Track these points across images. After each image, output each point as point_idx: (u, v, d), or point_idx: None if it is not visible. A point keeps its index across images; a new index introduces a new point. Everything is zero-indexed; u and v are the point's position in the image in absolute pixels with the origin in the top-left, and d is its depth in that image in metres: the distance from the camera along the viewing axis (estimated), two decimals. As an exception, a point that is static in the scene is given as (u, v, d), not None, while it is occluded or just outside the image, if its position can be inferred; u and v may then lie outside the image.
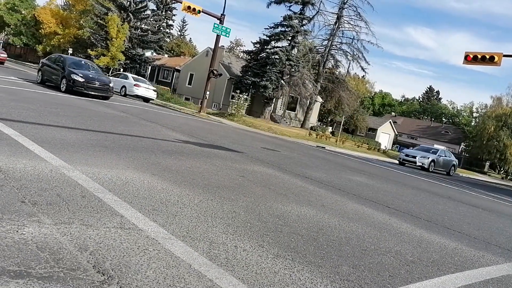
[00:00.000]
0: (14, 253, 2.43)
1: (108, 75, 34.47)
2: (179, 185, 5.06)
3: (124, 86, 27.16)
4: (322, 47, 45.00)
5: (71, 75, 16.35)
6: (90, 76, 17.04)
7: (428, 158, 24.36)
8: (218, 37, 24.07)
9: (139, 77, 30.10)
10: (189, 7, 21.95)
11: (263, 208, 4.86)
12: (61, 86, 16.50)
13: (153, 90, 28.01)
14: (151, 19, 50.19)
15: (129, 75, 28.96)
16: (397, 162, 26.37)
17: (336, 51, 45.15)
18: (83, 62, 19.49)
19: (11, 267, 2.26)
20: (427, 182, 15.25)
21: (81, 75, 16.51)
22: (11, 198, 3.31)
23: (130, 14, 44.32)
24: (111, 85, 17.72)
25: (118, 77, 28.36)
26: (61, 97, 14.32)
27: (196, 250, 3.09)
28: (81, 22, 50.09)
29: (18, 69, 31.39)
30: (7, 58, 35.17)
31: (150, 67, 50.98)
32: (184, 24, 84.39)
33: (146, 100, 27.16)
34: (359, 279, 3.24)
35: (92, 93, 16.68)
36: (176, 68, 49.86)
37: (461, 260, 4.51)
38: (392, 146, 66.78)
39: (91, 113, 11.14)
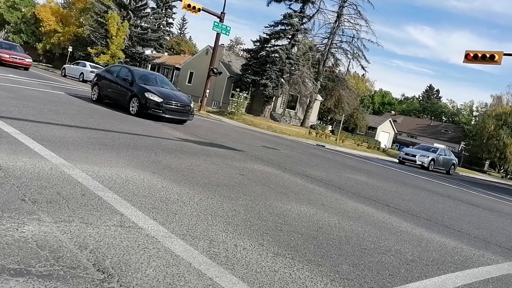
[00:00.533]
0: (14, 251, 2.43)
1: (69, 64, 35.76)
2: (179, 184, 5.06)
3: (82, 73, 30.98)
4: (322, 45, 44.92)
5: (145, 93, 12.40)
6: (168, 94, 13.02)
7: (428, 157, 24.37)
8: (218, 35, 24.04)
9: (96, 65, 33.56)
10: (189, 5, 21.91)
11: (263, 207, 4.87)
12: (130, 108, 12.69)
13: None
14: (151, 17, 50.12)
15: (87, 63, 32.84)
16: (397, 161, 26.37)
17: (336, 49, 45.05)
18: (152, 74, 15.32)
19: (11, 265, 2.26)
20: (427, 181, 15.25)
21: (158, 94, 12.55)
22: (11, 196, 3.30)
23: (130, 12, 44.24)
24: (192, 105, 13.71)
25: (77, 65, 32.62)
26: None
27: (196, 248, 3.09)
28: (81, 20, 50.03)
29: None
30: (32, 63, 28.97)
31: (150, 65, 50.90)
32: (184, 22, 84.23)
33: None
34: (359, 278, 3.24)
35: (170, 116, 12.74)
36: (176, 66, 49.79)
37: (461, 259, 4.51)
38: (392, 145, 66.76)
39: (90, 111, 11.14)
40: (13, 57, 25.05)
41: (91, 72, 29.98)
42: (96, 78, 15.05)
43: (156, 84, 13.80)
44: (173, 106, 12.70)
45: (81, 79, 30.62)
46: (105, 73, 14.89)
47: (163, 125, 11.91)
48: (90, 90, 15.45)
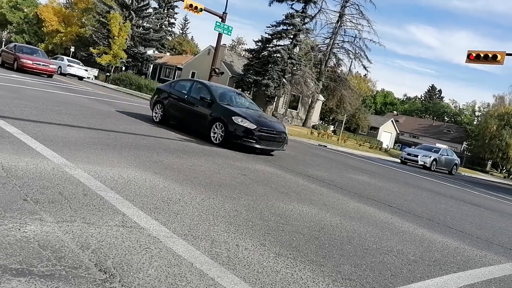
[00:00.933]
0: (16, 251, 2.43)
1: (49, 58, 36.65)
2: (181, 184, 5.07)
3: (60, 66, 31.94)
4: (324, 45, 44.90)
5: (233, 117, 9.59)
6: (261, 119, 10.25)
7: (430, 157, 24.32)
8: (220, 35, 24.03)
9: (73, 59, 35.60)
10: (191, 5, 21.91)
11: (265, 207, 4.86)
12: (212, 135, 9.91)
13: (84, 70, 33.55)
14: (153, 17, 50.26)
15: (65, 57, 34.65)
16: (399, 161, 26.33)
17: (338, 49, 45.02)
18: (230, 91, 12.22)
19: (13, 265, 2.27)
20: (429, 181, 15.22)
21: (250, 118, 9.73)
22: (13, 196, 3.31)
23: (132, 12, 44.35)
24: (287, 132, 10.97)
25: (56, 60, 33.42)
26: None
27: (197, 248, 3.09)
28: (83, 20, 50.21)
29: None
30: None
31: (152, 65, 51.01)
32: (186, 22, 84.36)
33: (80, 78, 32.59)
34: (361, 278, 3.24)
35: (264, 147, 9.91)
36: (178, 66, 49.87)
37: (463, 259, 4.50)
38: (394, 145, 66.67)
39: (93, 111, 11.15)
40: (36, 63, 22.51)
41: (68, 66, 32.08)
42: (157, 95, 12.11)
43: (239, 104, 11.05)
44: (267, 134, 9.86)
45: (59, 72, 31.79)
46: (170, 88, 11.87)
47: (163, 125, 11.91)
48: (88, 90, 14.96)
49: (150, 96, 24.65)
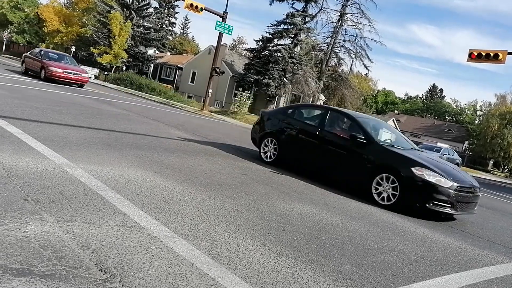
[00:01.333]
0: (17, 251, 2.43)
1: None
2: (182, 183, 5.06)
3: None
4: (325, 45, 44.84)
5: (414, 169, 6.50)
6: (453, 172, 7.10)
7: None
8: (220, 35, 24.03)
9: None
10: (191, 5, 21.91)
11: (266, 207, 4.86)
12: (375, 192, 6.76)
13: None
14: (154, 17, 50.22)
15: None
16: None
17: (339, 49, 44.97)
18: (382, 124, 9.23)
19: (14, 265, 2.26)
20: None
21: (440, 171, 6.55)
22: (14, 196, 3.31)
23: (133, 12, 44.34)
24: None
25: None
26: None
27: (198, 248, 3.09)
28: (83, 20, 50.20)
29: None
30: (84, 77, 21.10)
31: (152, 65, 51.01)
32: (187, 22, 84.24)
33: None
34: (362, 278, 3.23)
35: (461, 212, 6.74)
36: (179, 66, 49.86)
37: (464, 259, 4.49)
38: (395, 144, 66.50)
39: (93, 111, 11.15)
40: (67, 72, 19.58)
41: None
42: (264, 124, 9.08)
43: (402, 144, 7.96)
44: (465, 194, 6.67)
45: None
46: (287, 117, 8.71)
47: (164, 125, 11.89)
48: (89, 90, 14.56)
49: (151, 96, 24.04)
